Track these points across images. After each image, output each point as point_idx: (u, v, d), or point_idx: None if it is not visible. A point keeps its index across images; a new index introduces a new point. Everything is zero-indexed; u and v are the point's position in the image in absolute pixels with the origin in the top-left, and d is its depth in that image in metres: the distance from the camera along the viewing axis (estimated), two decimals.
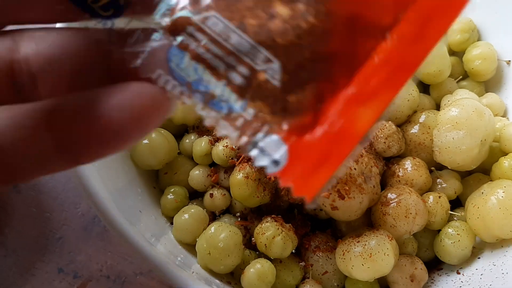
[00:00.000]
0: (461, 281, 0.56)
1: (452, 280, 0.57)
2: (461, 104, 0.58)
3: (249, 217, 0.60)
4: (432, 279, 0.60)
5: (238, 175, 0.57)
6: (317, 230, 0.60)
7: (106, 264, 0.70)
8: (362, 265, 0.52)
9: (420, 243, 0.60)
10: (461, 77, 0.70)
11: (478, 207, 0.57)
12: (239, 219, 0.60)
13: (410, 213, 0.55)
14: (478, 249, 0.60)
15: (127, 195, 0.55)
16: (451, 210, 0.60)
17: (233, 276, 0.57)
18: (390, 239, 0.54)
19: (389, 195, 0.56)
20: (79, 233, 0.72)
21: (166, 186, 0.62)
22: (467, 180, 0.63)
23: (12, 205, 0.75)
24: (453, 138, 0.57)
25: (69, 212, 0.73)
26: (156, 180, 0.65)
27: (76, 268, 0.70)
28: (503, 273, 0.52)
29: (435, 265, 0.61)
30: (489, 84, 0.71)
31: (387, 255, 0.52)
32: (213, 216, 0.62)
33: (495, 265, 0.55)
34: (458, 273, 0.58)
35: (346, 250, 0.54)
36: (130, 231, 0.44)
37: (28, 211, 0.74)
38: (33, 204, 0.74)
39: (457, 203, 0.63)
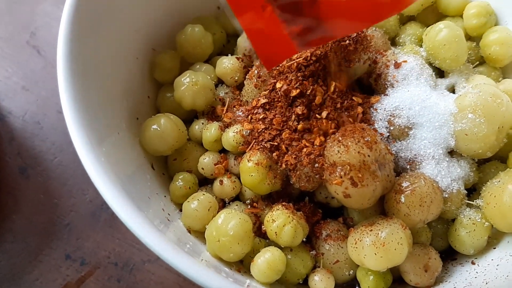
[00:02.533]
0: (476, 272, 0.55)
1: (467, 271, 0.56)
2: (477, 90, 0.57)
3: (260, 204, 0.59)
4: (446, 269, 0.58)
5: (249, 162, 0.56)
6: (328, 218, 0.59)
7: (114, 251, 0.69)
8: (375, 254, 0.51)
9: (434, 233, 0.59)
10: (477, 62, 0.68)
11: (494, 196, 0.55)
12: (249, 207, 0.59)
13: (425, 202, 0.54)
14: (494, 239, 0.58)
15: (135, 181, 0.54)
16: (467, 199, 0.59)
17: (243, 264, 0.56)
18: (403, 228, 0.52)
19: (404, 183, 0.55)
20: (87, 219, 0.71)
21: (176, 173, 0.61)
22: (484, 168, 0.62)
23: (20, 191, 0.74)
24: (469, 124, 0.55)
25: (77, 198, 0.73)
26: (165, 166, 0.64)
27: (83, 254, 0.69)
28: None
29: (449, 255, 0.60)
30: (506, 70, 0.69)
31: (401, 244, 0.51)
32: (223, 203, 0.61)
33: (511, 255, 0.54)
34: (473, 263, 0.57)
35: (358, 239, 0.53)
36: (138, 218, 0.43)
37: (37, 197, 0.73)
38: (42, 190, 0.74)
39: (473, 192, 0.61)
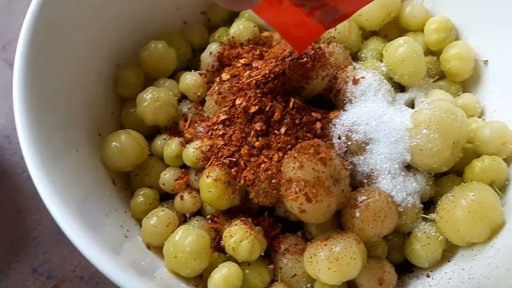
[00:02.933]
0: (430, 285, 0.56)
1: (421, 284, 0.57)
2: (432, 105, 0.58)
3: (220, 219, 0.60)
4: (403, 282, 0.59)
5: (207, 178, 0.57)
6: (288, 231, 0.60)
7: (80, 265, 0.70)
8: (329, 268, 0.52)
9: (391, 246, 0.60)
10: (437, 77, 0.70)
11: (448, 210, 0.57)
12: (209, 221, 0.60)
13: (379, 216, 0.55)
14: (449, 252, 0.59)
15: (92, 199, 0.54)
16: (424, 213, 0.60)
17: (202, 279, 0.57)
18: (357, 242, 0.54)
19: (359, 198, 0.56)
20: (54, 234, 0.72)
21: (137, 188, 0.62)
22: (441, 181, 0.63)
23: None
24: (424, 140, 0.57)
25: (45, 212, 0.73)
26: (128, 181, 0.64)
27: (50, 268, 0.70)
28: (469, 278, 0.52)
29: (406, 268, 0.61)
30: (466, 84, 0.70)
31: (354, 258, 0.52)
32: (184, 218, 0.61)
33: (463, 269, 0.55)
34: (428, 276, 0.58)
35: (313, 254, 0.54)
36: (88, 242, 0.44)
37: (5, 211, 0.74)
38: (9, 204, 0.74)
39: (432, 205, 0.62)
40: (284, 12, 0.52)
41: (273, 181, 0.55)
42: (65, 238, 0.71)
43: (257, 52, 0.64)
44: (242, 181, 0.56)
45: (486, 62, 0.68)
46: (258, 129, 0.58)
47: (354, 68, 0.66)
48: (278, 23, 0.55)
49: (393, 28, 0.73)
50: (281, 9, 0.52)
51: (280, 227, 0.60)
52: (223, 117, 0.60)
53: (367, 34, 0.73)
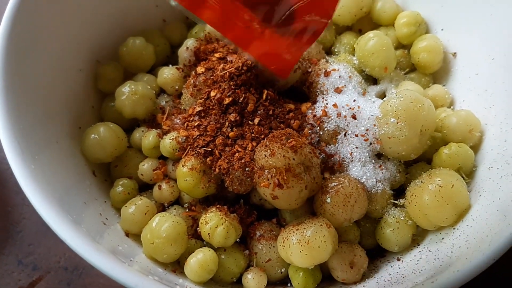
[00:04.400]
0: (399, 267, 0.58)
1: (391, 267, 0.59)
2: (400, 95, 0.60)
3: (197, 208, 0.62)
4: (375, 266, 0.61)
5: (183, 167, 0.59)
6: (263, 219, 0.62)
7: (64, 256, 0.72)
8: (300, 251, 0.54)
9: (363, 231, 0.62)
10: (408, 69, 0.72)
11: (416, 195, 0.59)
12: (187, 210, 0.62)
13: (349, 202, 0.57)
14: (419, 236, 0.61)
15: (71, 188, 0.56)
16: (396, 199, 0.62)
17: (179, 265, 0.58)
18: (328, 226, 0.56)
19: (329, 184, 0.58)
20: (39, 226, 0.74)
21: (117, 179, 0.64)
22: (411, 169, 0.65)
23: None
24: (392, 128, 0.59)
25: (30, 206, 0.74)
26: (108, 173, 0.66)
27: (35, 260, 0.72)
28: (434, 259, 0.54)
29: (379, 253, 0.63)
30: (436, 76, 0.73)
31: (324, 242, 0.54)
32: (163, 207, 0.63)
33: (430, 251, 0.57)
34: (399, 259, 0.60)
35: (286, 238, 0.56)
36: (69, 229, 0.46)
37: None
38: None
39: (403, 192, 0.64)
40: (267, 41, 0.55)
41: (247, 169, 0.57)
42: (50, 230, 0.72)
43: (232, 47, 0.66)
44: (217, 170, 0.58)
45: (454, 54, 0.71)
46: (232, 119, 0.60)
47: (327, 61, 0.68)
48: (262, 54, 0.58)
49: (367, 23, 0.75)
50: (264, 39, 0.54)
51: (255, 215, 0.62)
52: (198, 108, 0.62)
53: (340, 29, 0.75)
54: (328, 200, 0.57)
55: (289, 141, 0.56)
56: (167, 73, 0.67)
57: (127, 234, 0.59)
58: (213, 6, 0.54)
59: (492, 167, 0.59)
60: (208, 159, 0.59)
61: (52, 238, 0.73)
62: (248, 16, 0.55)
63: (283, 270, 0.59)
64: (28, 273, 0.71)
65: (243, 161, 0.58)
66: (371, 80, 0.71)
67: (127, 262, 0.51)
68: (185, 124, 0.62)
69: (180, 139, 0.61)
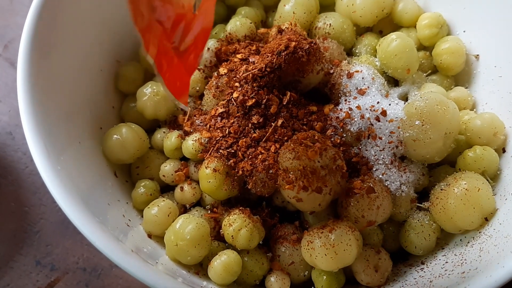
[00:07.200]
0: (424, 271, 0.58)
1: (416, 271, 0.59)
2: (425, 97, 0.59)
3: (219, 210, 0.61)
4: (398, 270, 0.61)
5: (206, 169, 0.58)
6: (286, 221, 0.62)
7: (82, 257, 0.71)
8: (325, 255, 0.54)
9: (386, 234, 0.62)
10: (430, 71, 0.71)
11: (441, 199, 0.58)
12: (209, 212, 0.62)
13: (374, 205, 0.56)
14: (443, 240, 0.61)
15: (95, 188, 0.56)
16: (419, 202, 0.61)
17: (202, 267, 0.58)
18: (352, 230, 0.55)
19: (354, 187, 0.57)
20: (57, 226, 0.73)
21: (138, 180, 0.63)
22: (435, 172, 0.65)
23: None
24: (417, 131, 0.58)
25: (47, 206, 0.75)
26: (129, 174, 0.66)
27: (53, 260, 0.71)
28: (462, 263, 0.54)
29: (402, 257, 0.63)
30: (458, 78, 0.72)
31: (350, 245, 0.54)
32: (184, 209, 0.63)
33: (456, 255, 0.56)
34: (423, 263, 0.60)
35: (310, 241, 0.55)
36: (92, 225, 0.46)
37: (7, 205, 0.75)
38: (12, 198, 0.76)
39: (425, 195, 0.64)
40: (176, 68, 0.52)
41: (270, 171, 0.57)
42: (68, 230, 0.73)
43: (254, 48, 0.66)
44: (240, 172, 0.58)
45: (477, 56, 0.70)
46: (255, 121, 0.59)
47: (349, 62, 0.67)
48: (172, 80, 0.54)
49: (388, 24, 0.75)
50: (173, 66, 0.52)
51: (278, 217, 0.61)
52: (221, 110, 0.61)
53: (361, 31, 0.75)
54: (352, 203, 0.57)
55: (314, 143, 0.55)
56: None
57: (149, 236, 0.59)
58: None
59: None
60: (231, 160, 0.59)
61: (70, 238, 0.72)
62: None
63: (306, 273, 0.59)
64: (46, 273, 0.71)
65: (266, 163, 0.57)
66: (392, 81, 0.71)
67: (153, 264, 0.50)
68: (208, 126, 0.62)
69: (202, 141, 0.61)
